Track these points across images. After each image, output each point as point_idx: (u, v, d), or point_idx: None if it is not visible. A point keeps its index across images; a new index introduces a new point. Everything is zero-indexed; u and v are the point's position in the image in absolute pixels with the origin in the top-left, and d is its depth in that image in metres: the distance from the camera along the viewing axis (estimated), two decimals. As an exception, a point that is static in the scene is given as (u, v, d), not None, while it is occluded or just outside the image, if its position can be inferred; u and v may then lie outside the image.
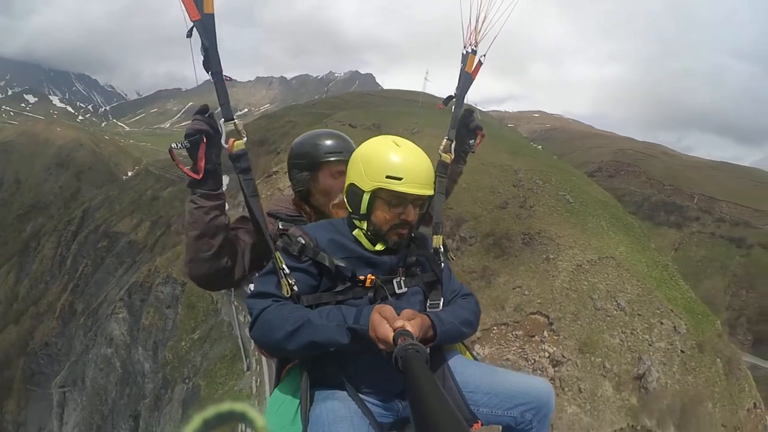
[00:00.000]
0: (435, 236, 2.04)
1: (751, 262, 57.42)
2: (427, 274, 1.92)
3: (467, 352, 2.09)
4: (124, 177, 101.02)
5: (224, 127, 1.83)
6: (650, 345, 21.83)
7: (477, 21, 2.35)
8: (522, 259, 25.44)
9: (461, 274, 24.00)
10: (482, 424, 1.79)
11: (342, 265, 1.74)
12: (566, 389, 19.82)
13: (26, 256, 67.50)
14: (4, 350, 51.61)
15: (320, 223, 1.97)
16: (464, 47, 2.41)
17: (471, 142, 2.53)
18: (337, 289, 1.75)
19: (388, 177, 1.74)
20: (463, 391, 1.78)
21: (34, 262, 63.71)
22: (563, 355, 20.74)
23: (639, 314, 22.78)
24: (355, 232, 1.86)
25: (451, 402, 0.94)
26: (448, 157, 2.30)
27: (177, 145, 1.80)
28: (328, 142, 2.27)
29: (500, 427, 1.86)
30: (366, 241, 1.83)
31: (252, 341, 1.84)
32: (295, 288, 1.71)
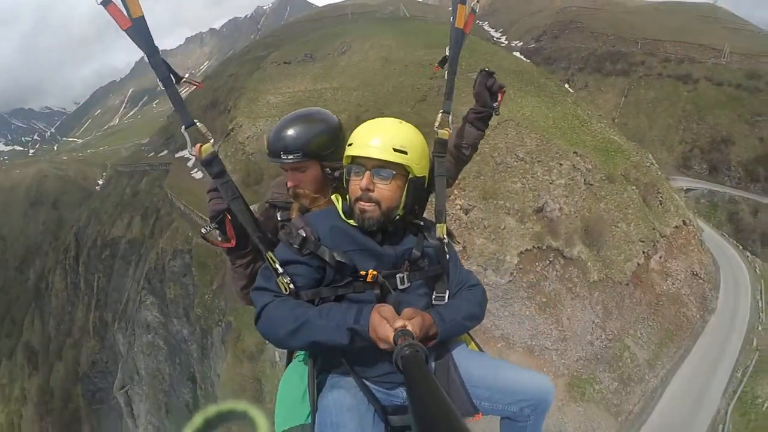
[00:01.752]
0: (438, 225, 1.93)
1: (698, 95, 62.38)
2: (433, 266, 1.89)
3: (472, 342, 2.11)
4: (98, 187, 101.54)
5: (187, 135, 1.80)
6: (551, 183, 27.44)
7: None
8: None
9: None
10: (482, 415, 1.87)
11: (343, 260, 1.74)
12: (474, 228, 25.22)
13: (41, 299, 69.31)
14: (60, 388, 54.74)
15: (325, 210, 1.95)
16: None
17: (495, 104, 2.28)
18: (337, 284, 1.76)
19: (347, 146, 1.79)
20: (465, 383, 1.82)
21: (51, 300, 65.77)
22: (469, 204, 25.85)
23: (539, 161, 28.34)
24: (341, 214, 1.88)
25: (451, 403, 0.92)
26: (446, 134, 2.05)
27: (206, 230, 1.90)
28: (271, 137, 2.12)
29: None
30: (343, 215, 1.84)
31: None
32: (292, 286, 1.72)
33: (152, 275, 40.35)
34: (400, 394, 1.80)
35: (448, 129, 2.09)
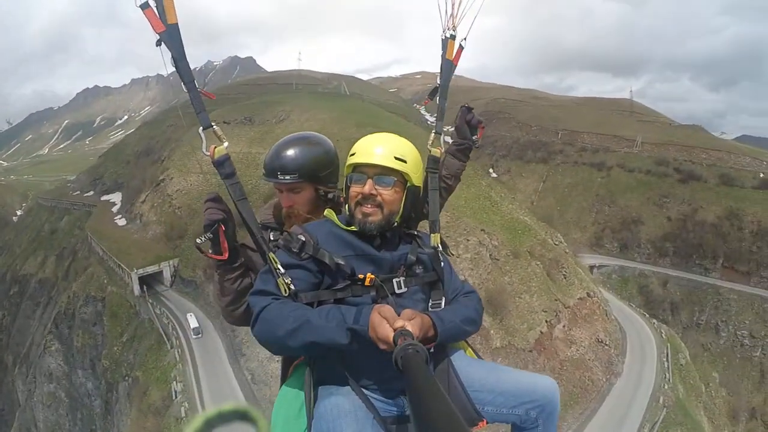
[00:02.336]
0: (433, 234, 2.09)
1: (611, 181, 70.49)
2: (429, 273, 1.96)
3: (470, 350, 2.12)
4: (15, 218, 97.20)
5: (203, 135, 1.90)
6: (457, 257, 29.93)
7: (454, 5, 2.30)
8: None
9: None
10: (487, 422, 1.85)
11: (342, 263, 1.79)
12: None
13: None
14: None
15: (321, 221, 2.02)
16: (443, 32, 2.36)
17: (474, 138, 2.52)
18: (336, 287, 1.80)
19: (349, 157, 1.92)
20: (468, 390, 1.82)
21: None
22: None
23: (447, 236, 31.01)
24: (338, 223, 1.95)
25: (451, 402, 0.94)
26: (437, 152, 2.25)
27: (201, 239, 1.91)
28: (268, 158, 2.22)
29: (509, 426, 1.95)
30: (340, 222, 1.93)
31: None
32: (292, 287, 1.76)
33: (61, 320, 38.96)
34: (400, 402, 1.78)
35: (440, 148, 2.28)
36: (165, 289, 39.02)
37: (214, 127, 1.91)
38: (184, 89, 1.85)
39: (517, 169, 79.82)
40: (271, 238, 2.12)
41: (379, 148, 1.88)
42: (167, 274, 40.11)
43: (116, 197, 63.40)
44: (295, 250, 1.82)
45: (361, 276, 1.80)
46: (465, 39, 2.38)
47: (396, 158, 1.88)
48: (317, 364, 1.80)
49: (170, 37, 1.79)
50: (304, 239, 1.83)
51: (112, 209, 56.32)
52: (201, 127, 1.90)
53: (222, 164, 1.92)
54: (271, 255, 1.81)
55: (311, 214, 2.24)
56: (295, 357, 1.94)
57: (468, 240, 31.30)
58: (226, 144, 1.93)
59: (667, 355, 35.03)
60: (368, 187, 1.85)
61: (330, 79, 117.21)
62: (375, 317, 1.53)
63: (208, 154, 1.91)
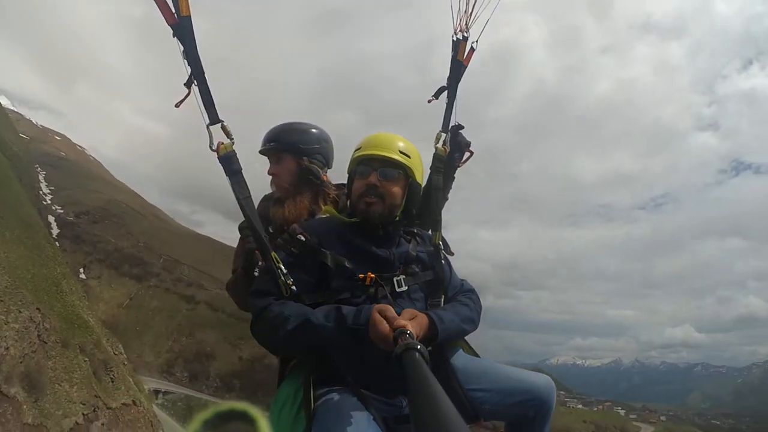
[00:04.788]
0: (434, 232, 2.18)
1: (196, 315, 76.59)
2: (429, 272, 2.05)
3: (469, 348, 2.18)
4: None
5: (211, 131, 1.92)
6: (6, 324, 29.33)
7: (468, 6, 2.36)
8: None
9: None
10: (485, 420, 1.93)
11: (342, 263, 1.86)
12: None
13: None
14: None
15: (322, 218, 2.15)
16: (454, 33, 2.43)
17: (457, 155, 2.58)
18: (336, 287, 1.87)
19: (354, 152, 2.05)
20: (466, 388, 1.90)
21: None
22: None
23: (1, 300, 30.33)
24: (338, 216, 2.07)
25: (450, 401, 0.95)
26: (443, 150, 2.35)
27: (259, 268, 2.12)
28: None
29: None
30: (341, 216, 2.04)
31: None
32: (294, 288, 1.82)
33: None
34: (400, 402, 1.83)
35: (445, 147, 2.37)
36: None
37: (223, 123, 1.95)
38: (194, 83, 1.89)
39: (108, 278, 78.37)
40: (270, 231, 2.19)
41: (385, 143, 2.01)
42: None
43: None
44: (295, 250, 1.91)
45: (361, 275, 1.88)
46: (477, 41, 2.47)
47: (401, 152, 1.99)
48: (316, 364, 1.81)
49: (182, 28, 1.83)
50: (304, 239, 1.92)
51: None
52: (209, 123, 1.93)
53: (228, 161, 1.97)
54: (274, 254, 1.88)
55: (292, 186, 2.43)
56: (294, 357, 1.99)
57: (20, 312, 30.52)
58: (233, 141, 1.98)
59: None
60: (373, 177, 1.96)
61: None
62: (375, 317, 1.58)
63: (215, 149, 1.95)
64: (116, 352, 41.29)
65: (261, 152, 2.55)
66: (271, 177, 2.53)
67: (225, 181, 2.01)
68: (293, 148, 2.46)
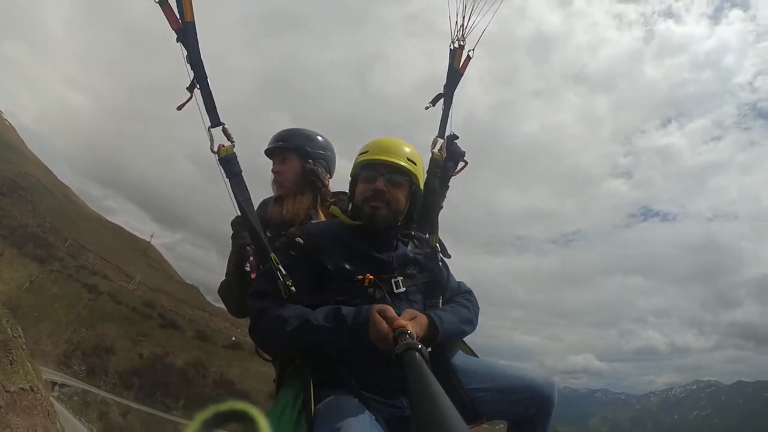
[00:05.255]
0: (431, 235, 2.25)
1: (97, 306, 72.05)
2: (426, 273, 2.10)
3: (467, 349, 2.22)
4: None
5: (212, 133, 1.97)
6: None
7: (464, 16, 2.46)
8: None
9: None
10: (487, 419, 1.94)
11: (341, 264, 1.90)
12: None
13: None
14: None
15: (322, 221, 2.23)
16: (451, 43, 2.54)
17: (451, 164, 2.64)
18: (335, 288, 1.90)
19: (360, 155, 2.09)
20: (467, 388, 1.92)
21: None
22: None
23: None
24: (343, 217, 2.12)
25: (450, 401, 0.96)
26: (439, 155, 2.48)
27: (249, 267, 2.13)
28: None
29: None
30: (345, 217, 2.10)
31: None
32: (293, 289, 1.85)
33: None
34: (401, 403, 1.83)
35: (442, 152, 2.47)
36: None
37: (224, 125, 2.00)
38: (197, 86, 1.94)
39: (10, 257, 70.87)
40: (268, 235, 2.18)
41: (393, 149, 2.05)
42: None
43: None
44: (294, 252, 1.95)
45: (360, 277, 1.91)
46: (473, 50, 2.54)
47: (408, 159, 2.06)
48: (316, 366, 1.82)
49: (186, 34, 1.88)
50: (302, 242, 1.96)
51: None
52: (210, 125, 1.97)
53: (228, 163, 2.00)
54: (273, 256, 1.91)
55: (294, 185, 2.50)
56: (293, 361, 1.98)
57: None
58: (233, 143, 2.02)
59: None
60: (380, 182, 2.01)
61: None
62: (375, 317, 1.61)
63: (215, 152, 1.99)
64: (15, 335, 38.13)
65: (267, 151, 2.67)
66: (273, 176, 2.66)
67: (225, 183, 2.04)
68: (300, 149, 2.58)
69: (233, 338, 76.37)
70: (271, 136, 2.70)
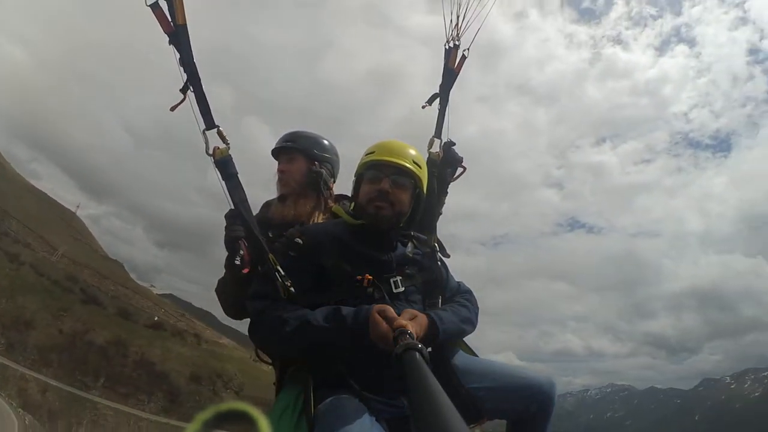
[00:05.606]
0: (429, 235, 2.25)
1: (19, 276, 69.53)
2: (425, 273, 2.10)
3: (467, 349, 2.22)
4: None
5: (207, 136, 2.00)
6: None
7: (459, 16, 2.46)
8: None
9: None
10: (487, 419, 1.95)
11: (340, 264, 1.90)
12: None
13: None
14: None
15: (322, 222, 2.21)
16: (446, 42, 2.55)
17: (449, 171, 2.63)
18: (335, 289, 1.90)
19: (366, 155, 2.08)
20: (468, 387, 1.92)
21: None
22: None
23: None
24: (345, 217, 2.11)
25: (450, 401, 0.95)
26: (437, 155, 2.51)
27: (238, 261, 2.04)
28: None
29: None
30: (348, 217, 2.08)
31: None
32: (292, 289, 1.85)
33: None
34: (401, 403, 1.82)
35: (439, 152, 2.52)
36: None
37: (219, 128, 2.02)
38: (191, 89, 1.96)
39: None
40: (270, 235, 2.22)
41: (400, 151, 2.06)
42: None
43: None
44: (293, 253, 1.94)
45: (359, 277, 1.91)
46: (468, 49, 2.57)
47: (414, 162, 2.07)
48: (316, 367, 1.82)
49: (179, 37, 1.90)
50: (301, 242, 1.96)
51: None
52: (204, 128, 2.01)
53: (224, 165, 2.05)
54: (272, 256, 1.92)
55: (299, 186, 2.56)
56: (293, 363, 1.98)
57: None
58: (229, 145, 2.05)
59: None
60: (385, 183, 2.01)
61: None
62: (375, 317, 1.62)
63: (211, 154, 2.02)
64: None
65: (274, 150, 2.68)
66: (278, 175, 2.66)
67: (221, 185, 2.08)
68: (307, 151, 2.59)
69: (155, 318, 75.61)
70: (281, 136, 2.75)
